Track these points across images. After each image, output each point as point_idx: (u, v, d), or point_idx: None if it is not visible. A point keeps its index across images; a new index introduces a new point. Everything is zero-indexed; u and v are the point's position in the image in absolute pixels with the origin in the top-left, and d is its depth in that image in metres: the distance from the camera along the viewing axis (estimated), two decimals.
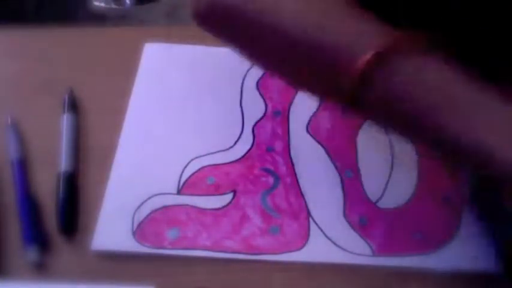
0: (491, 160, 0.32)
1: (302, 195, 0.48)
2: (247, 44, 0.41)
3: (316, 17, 0.37)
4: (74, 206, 0.47)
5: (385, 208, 0.47)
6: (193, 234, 0.45)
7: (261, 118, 0.53)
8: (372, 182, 0.49)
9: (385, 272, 0.44)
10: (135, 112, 0.53)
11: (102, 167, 0.49)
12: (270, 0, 0.38)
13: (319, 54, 0.36)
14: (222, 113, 0.53)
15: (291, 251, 0.45)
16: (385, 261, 0.44)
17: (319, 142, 0.52)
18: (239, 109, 0.54)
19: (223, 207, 0.47)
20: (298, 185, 0.49)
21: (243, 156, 0.50)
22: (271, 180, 0.49)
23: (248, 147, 0.51)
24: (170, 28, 0.65)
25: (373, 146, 0.51)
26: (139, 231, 0.45)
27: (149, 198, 0.47)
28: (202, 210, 0.47)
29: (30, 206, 0.46)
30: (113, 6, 1.11)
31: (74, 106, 0.53)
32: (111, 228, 0.45)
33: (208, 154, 0.50)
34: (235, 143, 0.51)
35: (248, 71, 0.57)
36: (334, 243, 0.45)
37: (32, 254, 0.44)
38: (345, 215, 0.47)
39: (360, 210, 0.47)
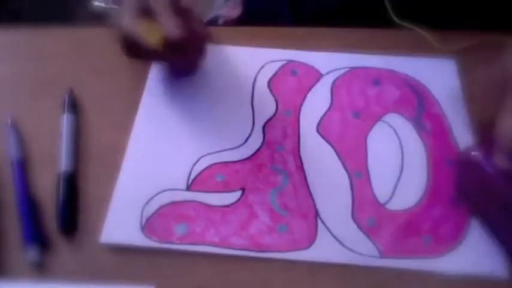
0: None
1: (311, 194, 0.48)
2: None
3: None
4: (74, 206, 0.47)
5: (393, 210, 0.47)
6: (201, 230, 0.46)
7: (272, 117, 0.53)
8: (381, 184, 0.49)
9: (389, 275, 0.44)
10: (146, 109, 0.53)
11: (102, 166, 0.49)
12: None
13: None
14: (233, 112, 0.54)
15: (298, 250, 0.45)
16: (393, 263, 0.44)
17: (329, 142, 0.52)
18: (250, 108, 0.54)
19: (232, 204, 0.47)
20: (307, 185, 0.49)
21: (252, 155, 0.50)
22: (280, 179, 0.49)
23: (258, 145, 0.51)
24: None
25: (383, 147, 0.51)
26: (148, 226, 0.46)
27: (158, 193, 0.48)
28: (210, 207, 0.47)
29: (30, 206, 0.47)
30: (113, 6, 1.11)
31: (74, 106, 0.53)
32: (120, 222, 0.46)
33: (218, 152, 0.50)
34: (246, 141, 0.51)
35: (260, 70, 0.57)
36: (342, 244, 0.45)
37: (32, 253, 0.44)
38: (353, 216, 0.47)
39: (368, 212, 0.47)
